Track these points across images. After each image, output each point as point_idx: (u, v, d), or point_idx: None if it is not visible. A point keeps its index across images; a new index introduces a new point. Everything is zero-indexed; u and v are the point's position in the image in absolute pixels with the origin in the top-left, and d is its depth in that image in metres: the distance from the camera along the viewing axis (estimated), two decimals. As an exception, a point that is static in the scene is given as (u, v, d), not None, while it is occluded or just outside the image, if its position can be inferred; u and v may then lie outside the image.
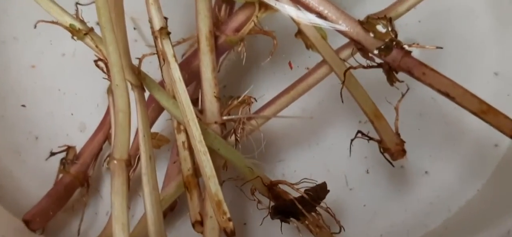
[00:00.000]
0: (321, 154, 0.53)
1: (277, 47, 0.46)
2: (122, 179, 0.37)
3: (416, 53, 0.42)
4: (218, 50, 0.48)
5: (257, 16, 0.47)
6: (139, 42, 0.57)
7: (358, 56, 0.44)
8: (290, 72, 0.55)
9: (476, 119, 0.41)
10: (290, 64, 0.56)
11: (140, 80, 0.43)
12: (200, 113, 0.45)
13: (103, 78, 0.44)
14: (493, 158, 0.52)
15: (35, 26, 0.45)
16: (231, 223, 0.38)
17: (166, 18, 0.45)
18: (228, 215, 0.39)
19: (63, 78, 0.56)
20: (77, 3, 0.47)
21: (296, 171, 0.52)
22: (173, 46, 0.44)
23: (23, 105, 0.54)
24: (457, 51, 0.57)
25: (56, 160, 0.49)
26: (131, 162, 0.39)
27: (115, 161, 0.37)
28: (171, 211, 0.49)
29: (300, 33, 0.46)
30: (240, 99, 0.46)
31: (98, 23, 0.50)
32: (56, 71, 0.56)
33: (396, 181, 0.52)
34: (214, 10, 0.49)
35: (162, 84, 0.45)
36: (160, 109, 0.48)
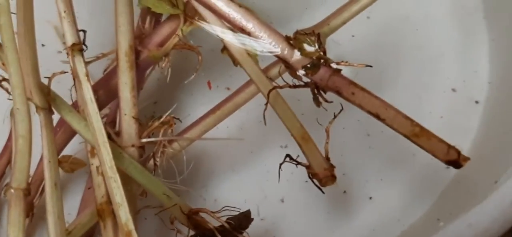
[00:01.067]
0: (257, 179, 0.57)
1: (202, 64, 0.51)
2: (19, 210, 0.41)
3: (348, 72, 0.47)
4: (140, 66, 0.52)
5: (181, 30, 0.51)
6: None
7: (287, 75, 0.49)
8: (217, 90, 0.59)
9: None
10: (209, 83, 0.60)
11: (48, 101, 0.47)
12: (117, 135, 0.49)
13: (8, 99, 0.48)
14: (442, 180, 0.56)
15: None
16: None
17: (84, 31, 0.49)
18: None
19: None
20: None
21: (230, 194, 0.56)
22: (86, 63, 0.48)
23: None
24: (414, 63, 0.62)
25: None
26: (30, 191, 0.43)
27: (12, 190, 0.41)
28: (88, 241, 0.53)
29: (225, 49, 0.50)
30: (161, 119, 0.50)
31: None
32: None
33: (339, 207, 0.56)
34: (135, 22, 0.53)
35: (76, 105, 0.49)
36: (72, 131, 0.52)
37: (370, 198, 0.56)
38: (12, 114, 0.49)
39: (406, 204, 0.56)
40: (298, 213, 0.56)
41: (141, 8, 0.54)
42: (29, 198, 0.42)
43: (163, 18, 0.54)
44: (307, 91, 0.47)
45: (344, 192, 0.56)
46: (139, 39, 0.52)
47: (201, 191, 0.56)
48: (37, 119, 0.45)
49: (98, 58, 0.53)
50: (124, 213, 0.44)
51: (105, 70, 0.55)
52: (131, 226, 0.44)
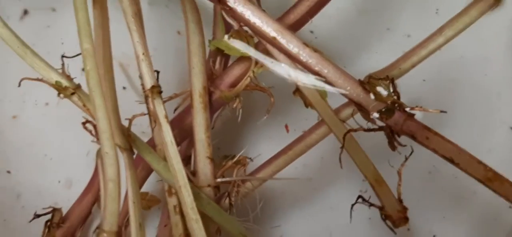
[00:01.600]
0: (323, 215, 0.58)
1: (274, 105, 0.52)
2: (112, 252, 0.42)
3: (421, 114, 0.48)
4: (212, 106, 0.53)
5: (253, 72, 0.52)
6: (128, 91, 0.63)
7: (359, 116, 0.50)
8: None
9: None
10: (286, 127, 0.61)
11: (129, 142, 0.48)
12: (193, 175, 0.51)
13: (92, 141, 0.49)
14: (506, 219, 0.57)
15: (19, 85, 0.51)
16: None
17: (157, 72, 0.51)
18: None
19: (47, 129, 0.62)
20: (63, 56, 0.53)
21: (297, 232, 0.58)
22: (164, 104, 0.49)
23: (8, 171, 0.60)
24: (470, 100, 0.63)
25: (40, 221, 0.55)
26: (121, 234, 0.44)
27: (105, 234, 0.43)
28: (162, 278, 0.54)
29: (298, 91, 0.51)
30: (235, 159, 0.52)
31: (83, 69, 0.57)
32: (40, 121, 0.62)
33: (402, 245, 0.57)
34: (208, 63, 0.55)
35: (152, 142, 0.51)
36: (150, 168, 0.53)
37: (434, 236, 0.57)
38: (98, 155, 0.50)
39: (471, 244, 0.57)
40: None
41: (211, 48, 0.55)
42: (118, 239, 0.44)
43: (233, 59, 0.55)
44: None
45: (408, 229, 0.57)
46: (210, 79, 0.53)
47: (266, 227, 0.57)
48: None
49: (171, 98, 0.54)
50: (206, 253, 0.45)
51: (175, 109, 0.56)
52: (213, 267, 0.45)
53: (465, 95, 0.63)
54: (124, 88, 0.62)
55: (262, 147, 0.58)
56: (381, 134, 0.49)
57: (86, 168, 0.57)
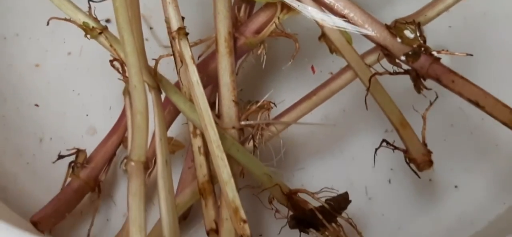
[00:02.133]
0: (344, 163, 0.59)
1: (299, 51, 0.52)
2: (140, 181, 0.43)
3: (446, 61, 0.48)
4: (236, 52, 0.53)
5: (278, 18, 0.53)
6: (151, 41, 0.63)
7: (384, 62, 0.50)
8: (312, 76, 0.61)
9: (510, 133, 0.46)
10: (313, 68, 0.61)
11: (156, 81, 0.49)
12: (218, 117, 0.51)
13: (118, 79, 0.50)
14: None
15: (48, 23, 0.51)
16: (248, 229, 0.44)
17: (183, 18, 0.51)
18: (246, 222, 0.44)
19: (70, 78, 0.62)
20: (90, 0, 0.53)
21: (316, 180, 0.58)
22: (191, 47, 0.50)
23: (36, 105, 0.61)
24: (491, 58, 0.63)
25: (62, 163, 0.55)
26: (148, 164, 0.45)
27: (133, 163, 0.43)
28: (184, 219, 0.54)
29: (324, 36, 0.51)
30: (259, 104, 0.52)
31: (107, 21, 0.58)
32: (62, 70, 0.62)
33: (424, 195, 0.57)
34: (233, 10, 0.55)
35: (177, 86, 0.51)
36: (175, 113, 0.54)
37: (456, 186, 0.58)
38: (125, 93, 0.50)
39: (492, 195, 0.57)
40: (384, 200, 0.57)
41: (237, -5, 0.56)
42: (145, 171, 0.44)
43: (257, 6, 0.55)
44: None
45: (430, 180, 0.58)
46: (234, 27, 0.54)
47: (289, 178, 0.58)
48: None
49: (196, 43, 0.55)
50: (231, 190, 0.46)
51: (199, 56, 0.57)
52: (237, 202, 0.45)
53: (489, 48, 0.63)
54: (146, 39, 0.62)
55: (286, 93, 0.58)
56: (406, 84, 0.49)
57: (108, 118, 0.57)
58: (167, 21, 0.51)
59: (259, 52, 0.54)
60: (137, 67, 0.45)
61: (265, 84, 0.61)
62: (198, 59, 0.57)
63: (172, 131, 0.55)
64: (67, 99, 0.61)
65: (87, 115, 0.61)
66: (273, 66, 0.60)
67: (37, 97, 0.61)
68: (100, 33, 0.50)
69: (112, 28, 0.49)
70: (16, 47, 0.64)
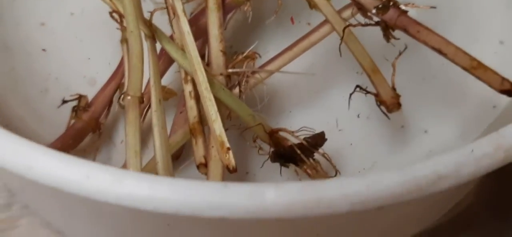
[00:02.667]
0: (322, 108, 0.63)
1: (281, 6, 0.58)
2: (136, 113, 0.48)
3: (413, 14, 0.53)
4: (225, 8, 0.59)
5: (263, -25, 0.58)
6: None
7: (358, 16, 0.56)
8: (294, 29, 0.65)
9: (478, 84, 0.51)
10: (292, 19, 0.67)
11: (152, 31, 0.54)
12: (207, 65, 0.56)
13: (117, 29, 0.55)
14: (489, 117, 0.62)
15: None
16: (232, 159, 0.49)
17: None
18: (230, 149, 0.49)
19: (73, 36, 0.67)
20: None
21: (296, 123, 0.63)
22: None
23: (44, 50, 0.66)
24: (462, 16, 0.68)
25: (67, 110, 0.61)
26: (143, 99, 0.50)
27: (129, 97, 0.48)
28: (176, 159, 0.60)
29: (302, -10, 0.57)
30: (245, 54, 0.57)
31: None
32: (66, 29, 0.67)
33: (396, 139, 0.62)
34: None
35: (170, 37, 0.57)
36: (169, 63, 0.59)
37: (425, 131, 0.62)
38: (123, 41, 0.56)
39: (457, 136, 0.62)
40: (360, 142, 0.62)
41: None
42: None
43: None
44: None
45: (402, 126, 0.62)
46: (223, -16, 0.59)
47: (273, 123, 0.63)
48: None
49: (188, 1, 0.60)
50: (218, 127, 0.51)
51: (191, 13, 0.62)
52: (224, 137, 0.50)
53: (458, 8, 0.68)
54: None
55: (270, 45, 0.63)
56: (378, 38, 0.54)
57: (108, 73, 0.62)
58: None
59: (245, 8, 0.59)
60: (133, 15, 0.50)
61: (251, 38, 0.66)
62: (190, 15, 0.62)
63: (166, 80, 0.60)
64: (70, 55, 0.66)
65: (82, 70, 0.66)
66: (259, 21, 0.65)
67: (41, 54, 0.66)
68: (102, -11, 0.55)
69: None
70: (23, 7, 0.69)
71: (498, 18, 0.68)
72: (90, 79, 0.65)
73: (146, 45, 0.53)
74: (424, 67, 0.65)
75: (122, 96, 0.54)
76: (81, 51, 0.67)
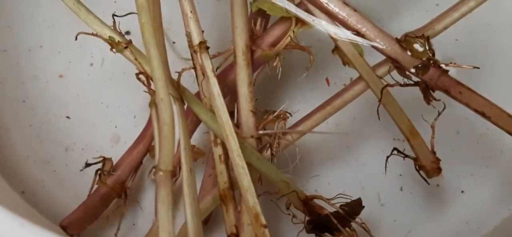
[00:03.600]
0: (355, 170, 0.61)
1: (313, 63, 0.55)
2: (168, 190, 0.45)
3: (453, 71, 0.50)
4: (253, 64, 0.56)
5: (293, 31, 0.55)
6: (169, 52, 0.65)
7: (394, 73, 0.53)
8: (326, 87, 0.63)
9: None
10: (327, 80, 0.64)
11: (180, 93, 0.51)
12: (237, 127, 0.53)
13: (144, 91, 0.52)
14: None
15: (76, 38, 0.53)
16: (268, 235, 0.46)
17: (202, 31, 0.54)
18: (266, 227, 0.46)
19: (93, 88, 0.64)
20: (114, 14, 0.55)
21: (330, 186, 0.60)
22: (211, 60, 0.52)
23: (62, 104, 0.63)
24: (496, 67, 0.65)
25: (89, 170, 0.57)
26: (175, 173, 0.47)
27: (161, 172, 0.45)
28: (204, 224, 0.57)
29: (337, 49, 0.53)
30: (275, 114, 0.54)
31: (126, 33, 0.60)
32: (85, 81, 0.64)
33: (432, 200, 0.59)
34: (250, 23, 0.57)
35: (198, 96, 0.54)
36: (197, 122, 0.56)
37: (462, 191, 0.60)
38: (151, 105, 0.53)
39: (498, 199, 0.59)
40: (395, 205, 0.59)
41: (253, 10, 0.58)
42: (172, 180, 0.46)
43: (272, 19, 0.58)
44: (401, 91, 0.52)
45: (437, 185, 0.60)
46: (251, 39, 0.56)
47: (303, 183, 0.60)
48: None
49: (215, 56, 0.57)
50: (251, 197, 0.48)
51: (218, 67, 0.59)
52: (258, 208, 0.47)
53: (493, 58, 0.65)
54: (165, 50, 0.65)
55: (301, 103, 0.61)
56: (414, 93, 0.51)
57: (133, 128, 0.60)
58: (188, 35, 0.53)
59: (274, 63, 0.56)
60: (163, 80, 0.47)
61: (280, 94, 0.63)
62: (216, 70, 0.59)
63: (193, 139, 0.57)
64: (92, 109, 0.64)
65: (111, 123, 0.63)
66: (288, 77, 0.62)
67: (61, 108, 0.63)
68: (125, 48, 0.52)
69: (133, 39, 0.53)
70: (41, 58, 0.66)
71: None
72: (114, 135, 0.62)
73: (174, 106, 0.50)
74: (457, 120, 0.62)
75: (153, 170, 0.50)
76: (102, 104, 0.64)
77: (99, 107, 0.64)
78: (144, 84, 0.52)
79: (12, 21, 0.67)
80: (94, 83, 0.65)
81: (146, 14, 0.49)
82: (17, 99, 0.64)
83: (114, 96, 0.64)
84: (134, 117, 0.62)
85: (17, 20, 0.67)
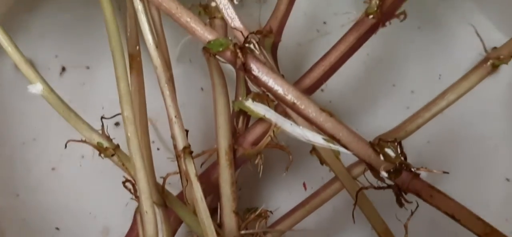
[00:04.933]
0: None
1: (292, 162, 0.56)
2: None
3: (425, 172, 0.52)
4: (236, 163, 0.57)
5: (273, 131, 0.56)
6: (156, 144, 0.67)
7: (369, 173, 0.54)
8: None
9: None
10: (304, 185, 0.65)
11: (163, 198, 0.52)
12: (219, 226, 0.55)
13: (131, 198, 0.54)
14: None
15: (65, 146, 0.55)
16: None
17: (186, 131, 0.55)
18: None
19: (84, 180, 0.66)
20: (102, 117, 0.56)
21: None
22: (194, 162, 0.53)
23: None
24: (470, 155, 0.67)
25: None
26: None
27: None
28: None
29: (314, 150, 0.55)
30: (257, 212, 0.56)
31: (116, 124, 0.61)
32: (77, 173, 0.66)
33: None
34: (232, 121, 0.59)
35: (181, 195, 0.55)
36: (180, 221, 0.57)
37: None
38: (137, 211, 0.54)
39: None
40: None
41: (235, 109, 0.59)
42: None
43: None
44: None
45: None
46: (233, 137, 0.57)
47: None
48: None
49: (199, 155, 0.58)
50: None
51: (202, 164, 0.60)
52: None
53: (465, 149, 0.66)
54: (152, 141, 0.66)
55: (281, 200, 0.62)
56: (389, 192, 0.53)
57: (124, 218, 0.61)
58: (173, 138, 0.54)
59: (256, 162, 0.57)
60: (147, 193, 0.49)
61: (262, 190, 0.64)
62: (201, 167, 0.60)
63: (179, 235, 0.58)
64: (81, 201, 0.65)
65: (101, 214, 0.64)
66: (269, 173, 0.64)
67: (53, 201, 0.65)
68: (112, 155, 0.54)
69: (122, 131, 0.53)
70: (34, 151, 0.67)
71: (505, 156, 0.66)
72: (104, 228, 0.63)
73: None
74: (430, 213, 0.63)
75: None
76: (93, 196, 0.65)
77: (89, 200, 0.65)
78: (131, 192, 0.53)
79: (5, 115, 0.68)
80: (85, 176, 0.66)
81: (132, 128, 0.50)
82: (11, 193, 0.65)
83: (105, 188, 0.65)
84: (126, 204, 0.63)
85: (10, 114, 0.68)
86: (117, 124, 0.64)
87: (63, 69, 0.70)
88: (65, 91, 0.64)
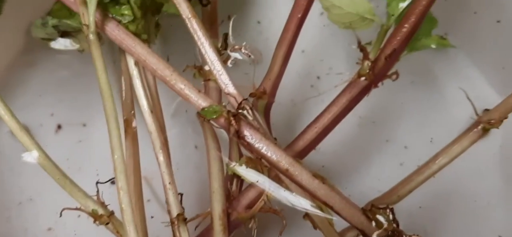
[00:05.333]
0: None
1: (286, 227, 0.56)
2: None
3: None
4: (229, 226, 0.57)
5: (267, 196, 0.57)
6: (152, 203, 0.67)
7: (362, 238, 0.54)
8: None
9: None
10: None
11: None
12: None
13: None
14: None
15: (60, 215, 0.55)
16: None
17: (181, 194, 0.55)
18: None
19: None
20: (97, 182, 0.57)
21: None
22: (188, 229, 0.54)
23: None
24: (462, 213, 0.67)
25: None
26: None
27: None
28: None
29: (307, 216, 0.55)
30: (253, 281, 0.56)
31: (113, 182, 0.61)
32: (73, 233, 0.66)
33: None
34: (226, 185, 0.59)
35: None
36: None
37: None
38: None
39: None
40: None
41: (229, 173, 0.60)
42: None
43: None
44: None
45: None
46: (227, 200, 0.57)
47: None
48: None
49: (193, 219, 0.58)
50: None
51: (196, 227, 0.60)
52: None
53: (458, 207, 0.67)
54: (148, 200, 0.66)
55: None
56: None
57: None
58: (167, 204, 0.54)
59: (249, 225, 0.57)
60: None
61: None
62: (195, 230, 0.60)
63: None
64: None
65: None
66: (263, 236, 0.64)
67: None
68: (107, 223, 0.54)
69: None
70: (30, 211, 0.67)
71: (498, 215, 0.67)
72: None
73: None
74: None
75: None
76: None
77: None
78: (124, 258, 0.53)
79: (2, 175, 0.68)
80: (81, 235, 0.66)
81: (126, 198, 0.51)
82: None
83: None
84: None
85: (7, 174, 0.69)
86: (113, 183, 0.64)
87: (59, 127, 0.70)
88: (61, 149, 0.65)
